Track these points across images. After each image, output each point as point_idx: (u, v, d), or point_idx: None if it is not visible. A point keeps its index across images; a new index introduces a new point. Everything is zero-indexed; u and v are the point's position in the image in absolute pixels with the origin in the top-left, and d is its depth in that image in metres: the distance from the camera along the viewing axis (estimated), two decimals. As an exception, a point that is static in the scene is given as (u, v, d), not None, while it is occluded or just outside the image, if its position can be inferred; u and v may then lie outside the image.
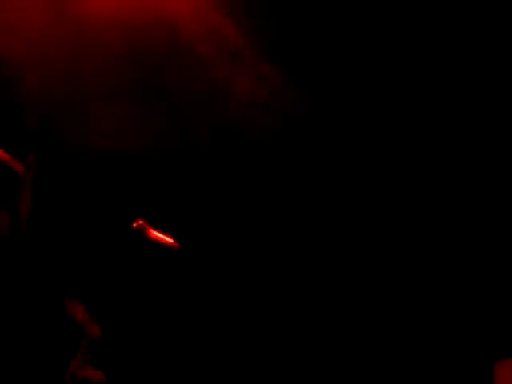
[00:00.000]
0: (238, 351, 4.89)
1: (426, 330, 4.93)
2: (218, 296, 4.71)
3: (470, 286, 4.98)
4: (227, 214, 4.77)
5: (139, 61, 4.45)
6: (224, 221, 4.74)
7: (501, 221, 4.86)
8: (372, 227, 5.18)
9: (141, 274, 3.99)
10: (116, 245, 3.87)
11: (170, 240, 2.56)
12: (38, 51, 4.44)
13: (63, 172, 4.09)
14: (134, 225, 2.55)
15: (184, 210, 4.39)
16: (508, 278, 4.92)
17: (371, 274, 5.13)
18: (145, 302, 4.15)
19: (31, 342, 3.92)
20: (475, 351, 4.80)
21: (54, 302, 3.56)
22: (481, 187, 4.93)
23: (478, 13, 4.97)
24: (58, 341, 3.90)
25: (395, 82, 5.08)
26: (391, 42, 4.99)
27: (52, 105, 4.35)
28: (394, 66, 5.06)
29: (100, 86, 4.45)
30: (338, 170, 5.05)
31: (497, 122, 5.10)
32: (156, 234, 2.55)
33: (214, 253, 4.41)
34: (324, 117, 5.03)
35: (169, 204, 4.16)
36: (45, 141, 3.80)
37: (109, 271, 4.20)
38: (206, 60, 4.55)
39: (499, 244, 4.87)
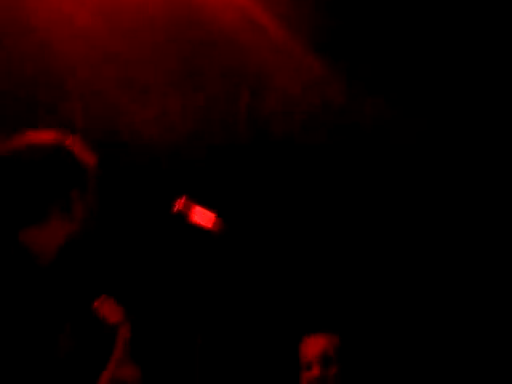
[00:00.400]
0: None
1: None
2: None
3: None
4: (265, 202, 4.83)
5: (181, 51, 4.52)
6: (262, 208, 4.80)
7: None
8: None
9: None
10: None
11: (213, 217, 2.52)
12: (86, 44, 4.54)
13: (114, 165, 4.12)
14: (178, 203, 2.50)
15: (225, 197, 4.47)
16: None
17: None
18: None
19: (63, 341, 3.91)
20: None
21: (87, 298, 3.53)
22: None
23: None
24: (90, 339, 3.90)
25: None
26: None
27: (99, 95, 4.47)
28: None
29: (143, 77, 4.55)
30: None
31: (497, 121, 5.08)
32: (200, 210, 2.50)
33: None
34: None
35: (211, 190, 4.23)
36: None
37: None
38: (245, 50, 4.61)
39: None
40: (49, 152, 2.76)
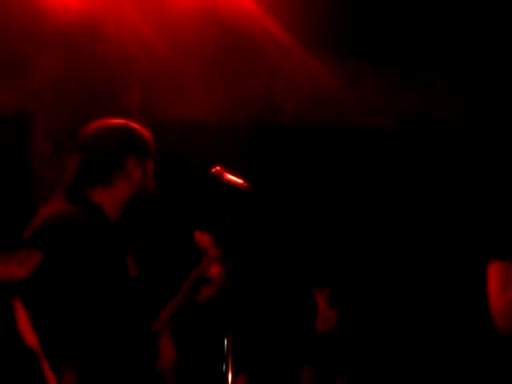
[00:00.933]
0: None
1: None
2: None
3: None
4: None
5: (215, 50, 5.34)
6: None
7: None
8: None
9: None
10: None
11: (241, 181, 3.35)
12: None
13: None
14: (214, 168, 3.35)
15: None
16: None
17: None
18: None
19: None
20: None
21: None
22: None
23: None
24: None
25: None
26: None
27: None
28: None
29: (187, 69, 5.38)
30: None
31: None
32: (230, 176, 3.34)
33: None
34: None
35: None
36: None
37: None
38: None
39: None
40: (112, 129, 3.57)
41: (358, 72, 5.78)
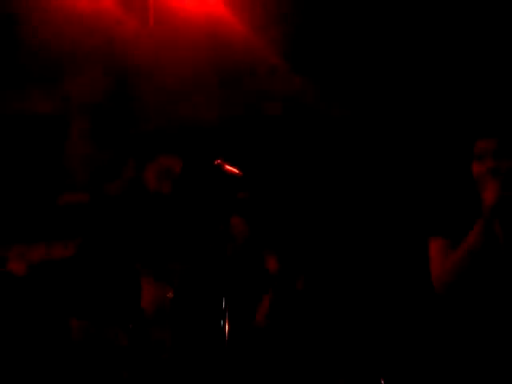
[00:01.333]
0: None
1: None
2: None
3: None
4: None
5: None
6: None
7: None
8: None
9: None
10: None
11: (236, 170, 4.42)
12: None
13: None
14: (215, 162, 4.44)
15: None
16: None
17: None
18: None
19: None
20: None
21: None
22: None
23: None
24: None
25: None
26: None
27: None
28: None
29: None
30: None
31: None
32: (228, 167, 4.44)
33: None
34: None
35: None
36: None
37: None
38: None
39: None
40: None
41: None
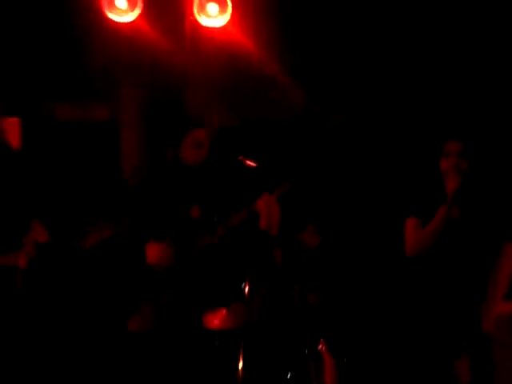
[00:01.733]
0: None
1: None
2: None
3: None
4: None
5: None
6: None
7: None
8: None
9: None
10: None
11: (255, 163, 5.30)
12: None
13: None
14: (240, 157, 5.37)
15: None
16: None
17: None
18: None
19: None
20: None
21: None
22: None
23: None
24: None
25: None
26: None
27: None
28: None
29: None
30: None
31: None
32: (249, 162, 5.48)
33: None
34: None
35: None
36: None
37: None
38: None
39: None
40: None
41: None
